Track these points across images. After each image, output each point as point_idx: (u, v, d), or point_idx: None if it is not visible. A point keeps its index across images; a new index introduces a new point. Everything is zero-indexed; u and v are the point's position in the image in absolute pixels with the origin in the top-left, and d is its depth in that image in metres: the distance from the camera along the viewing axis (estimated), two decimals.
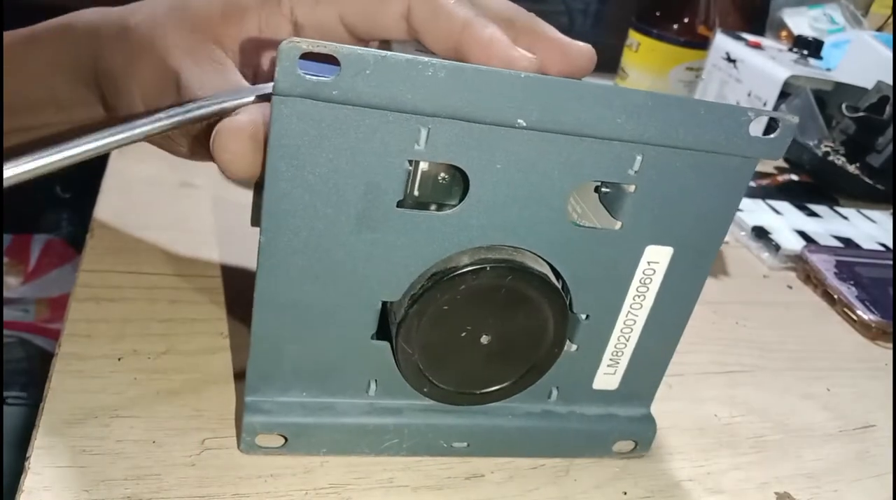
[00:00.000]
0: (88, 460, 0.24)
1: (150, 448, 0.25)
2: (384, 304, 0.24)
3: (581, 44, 0.24)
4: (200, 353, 0.30)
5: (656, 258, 0.25)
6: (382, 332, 0.25)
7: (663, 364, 0.28)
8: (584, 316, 0.26)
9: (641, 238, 0.24)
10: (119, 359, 0.28)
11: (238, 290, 0.34)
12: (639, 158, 0.22)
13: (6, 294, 0.81)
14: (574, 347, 0.26)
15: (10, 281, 0.84)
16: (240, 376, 0.29)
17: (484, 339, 0.24)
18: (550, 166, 0.22)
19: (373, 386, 0.26)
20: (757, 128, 0.23)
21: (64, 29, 0.31)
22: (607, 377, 0.27)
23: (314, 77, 0.19)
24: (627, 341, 0.27)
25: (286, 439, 0.25)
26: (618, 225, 0.24)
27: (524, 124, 0.21)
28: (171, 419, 0.26)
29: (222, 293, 0.33)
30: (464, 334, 0.24)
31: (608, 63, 0.75)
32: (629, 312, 0.26)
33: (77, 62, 0.30)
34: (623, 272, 0.25)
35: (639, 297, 0.26)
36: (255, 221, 0.29)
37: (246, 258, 0.36)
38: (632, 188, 0.23)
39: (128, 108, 0.28)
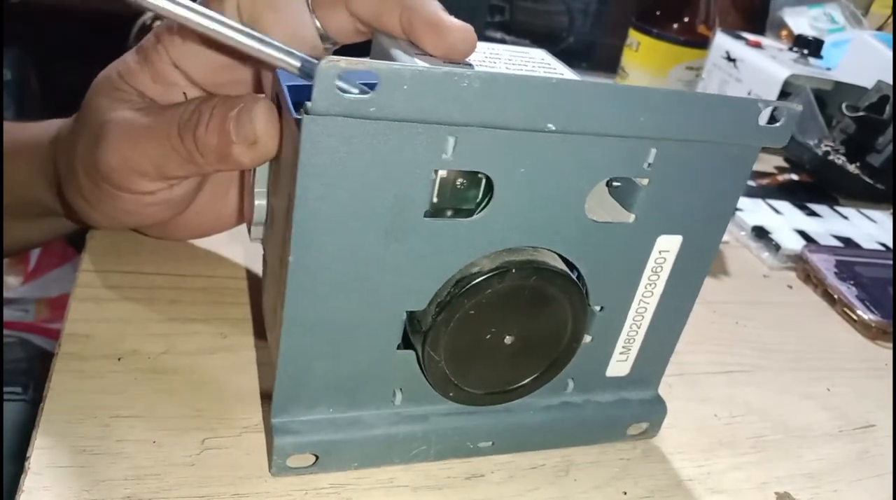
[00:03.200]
0: (88, 460, 0.24)
1: (150, 448, 0.25)
2: (408, 313, 0.24)
3: (458, 23, 0.24)
4: (200, 353, 0.30)
5: (667, 247, 0.25)
6: (405, 341, 0.25)
7: (671, 347, 0.29)
8: (598, 308, 0.26)
9: (654, 229, 0.25)
10: (119, 359, 0.28)
11: (238, 289, 0.34)
12: (653, 151, 0.23)
13: (6, 294, 0.81)
14: (589, 338, 0.27)
15: (10, 281, 0.84)
16: (240, 379, 0.29)
17: (508, 339, 0.25)
18: (572, 167, 0.22)
19: (398, 395, 0.26)
20: (763, 117, 0.23)
21: (37, 144, 0.34)
22: (619, 364, 0.28)
23: (352, 96, 0.19)
24: (639, 328, 0.27)
25: (317, 457, 0.25)
26: (631, 218, 0.24)
27: (553, 128, 0.21)
28: (171, 418, 0.26)
29: (222, 293, 0.33)
30: (488, 337, 0.24)
31: (608, 63, 0.75)
32: (641, 300, 0.26)
33: (48, 175, 0.33)
34: (636, 263, 0.26)
35: (650, 285, 0.26)
36: (259, 237, 0.28)
37: (246, 258, 0.36)
38: (645, 181, 0.24)
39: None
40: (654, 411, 0.29)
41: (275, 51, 0.22)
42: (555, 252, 0.24)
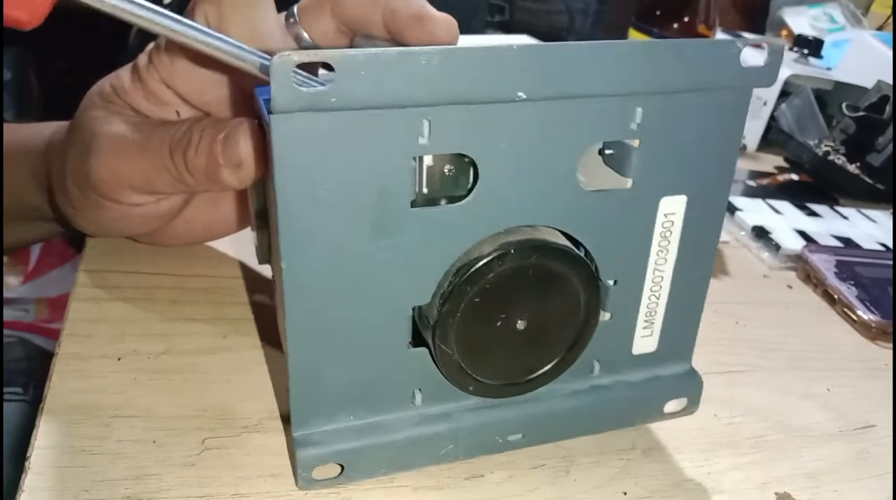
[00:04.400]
0: (88, 460, 0.24)
1: (150, 448, 0.25)
2: (415, 309, 0.24)
3: (440, 14, 0.24)
4: (200, 353, 0.30)
5: (672, 209, 0.25)
6: (417, 338, 0.24)
7: (697, 316, 0.28)
8: (612, 282, 0.26)
9: (655, 191, 0.24)
10: (119, 359, 0.28)
11: (239, 289, 0.34)
12: (639, 110, 0.22)
13: (6, 294, 0.81)
14: (608, 315, 0.26)
15: (10, 281, 0.84)
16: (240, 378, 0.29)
17: (520, 324, 0.24)
18: (555, 136, 0.22)
19: (418, 396, 0.25)
20: (749, 58, 0.23)
21: (29, 149, 0.35)
22: (645, 340, 0.27)
23: (311, 88, 0.19)
24: (658, 298, 0.26)
25: (342, 467, 0.24)
26: (629, 183, 0.24)
27: (524, 97, 0.21)
28: (171, 418, 0.26)
29: (222, 293, 0.33)
30: (499, 324, 0.24)
31: None
32: (655, 269, 0.26)
33: (40, 178, 0.34)
34: (643, 230, 0.25)
35: (662, 252, 0.25)
36: (264, 258, 0.28)
37: (246, 258, 0.36)
38: (636, 143, 0.23)
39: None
40: (690, 385, 0.28)
41: (233, 49, 0.22)
42: (555, 229, 0.24)
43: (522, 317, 0.24)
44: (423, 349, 0.24)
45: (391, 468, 0.25)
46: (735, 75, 0.23)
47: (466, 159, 0.22)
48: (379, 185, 0.21)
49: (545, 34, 0.94)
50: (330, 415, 0.24)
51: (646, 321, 0.27)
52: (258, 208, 0.27)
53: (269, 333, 0.32)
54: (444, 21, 0.24)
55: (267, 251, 0.28)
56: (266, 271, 0.36)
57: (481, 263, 0.22)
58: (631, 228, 0.25)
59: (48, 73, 1.11)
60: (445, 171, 0.23)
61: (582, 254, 0.24)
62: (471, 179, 0.23)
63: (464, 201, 0.22)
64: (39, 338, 0.67)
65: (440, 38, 0.24)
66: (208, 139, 0.25)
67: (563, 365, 0.26)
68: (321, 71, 0.24)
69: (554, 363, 0.26)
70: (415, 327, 0.24)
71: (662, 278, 0.26)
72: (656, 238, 0.25)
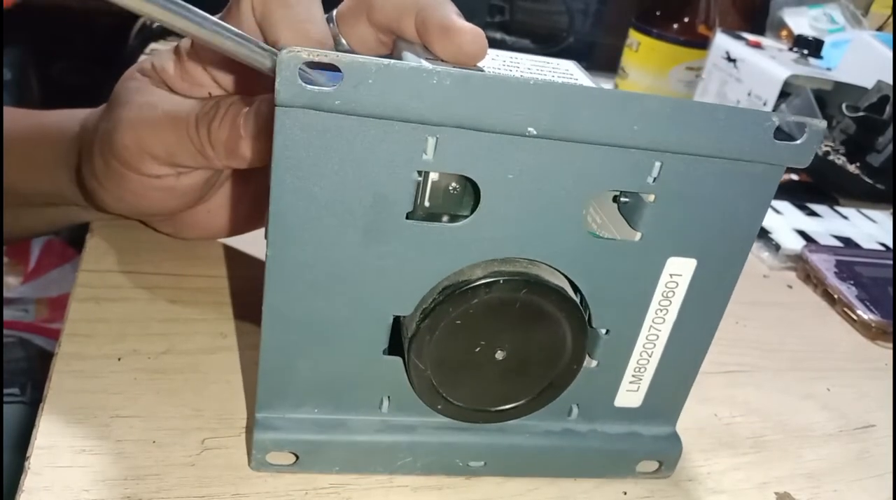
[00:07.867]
0: (88, 460, 0.24)
1: (150, 448, 0.25)
2: (396, 318, 0.24)
3: (468, 25, 0.24)
4: (200, 353, 0.30)
5: (679, 271, 0.24)
6: (395, 347, 0.24)
7: (689, 381, 0.27)
8: (604, 331, 0.25)
9: (663, 250, 0.23)
10: (119, 359, 0.28)
11: (239, 290, 0.34)
12: (657, 164, 0.22)
13: (6, 294, 0.81)
14: (594, 363, 0.26)
15: (10, 281, 0.84)
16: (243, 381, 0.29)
17: (499, 354, 0.24)
18: (564, 176, 0.21)
19: (385, 403, 0.25)
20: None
21: (62, 131, 0.34)
22: (630, 395, 0.27)
23: (315, 87, 0.18)
24: (650, 356, 0.26)
25: (297, 457, 0.24)
26: (637, 236, 0.23)
27: (535, 133, 0.20)
28: (171, 418, 0.26)
29: (222, 293, 0.33)
30: (478, 350, 0.24)
31: (608, 63, 0.75)
32: (651, 326, 0.25)
33: (70, 162, 0.33)
34: (644, 285, 0.24)
35: (661, 311, 0.25)
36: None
37: (246, 258, 0.36)
38: (651, 198, 0.22)
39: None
40: (668, 448, 0.28)
41: (246, 48, 0.22)
42: (554, 268, 0.23)
43: (503, 347, 0.24)
44: (398, 359, 0.24)
45: (346, 468, 0.25)
46: (766, 150, 0.21)
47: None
48: (375, 191, 0.21)
49: (545, 34, 0.94)
50: (295, 404, 0.24)
51: (633, 376, 0.26)
52: None
53: None
54: (472, 33, 0.24)
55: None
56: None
57: (468, 286, 0.22)
58: (631, 281, 0.24)
59: (48, 73, 1.11)
60: (450, 188, 0.23)
61: (576, 297, 0.24)
62: (474, 201, 0.23)
63: (461, 223, 0.22)
64: (39, 338, 0.67)
65: (468, 51, 0.24)
66: (234, 112, 0.26)
67: (537, 403, 0.25)
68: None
69: (527, 399, 0.25)
70: (394, 336, 0.24)
71: (658, 337, 0.25)
72: (657, 297, 0.24)
